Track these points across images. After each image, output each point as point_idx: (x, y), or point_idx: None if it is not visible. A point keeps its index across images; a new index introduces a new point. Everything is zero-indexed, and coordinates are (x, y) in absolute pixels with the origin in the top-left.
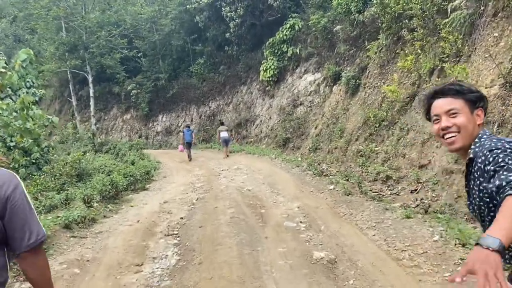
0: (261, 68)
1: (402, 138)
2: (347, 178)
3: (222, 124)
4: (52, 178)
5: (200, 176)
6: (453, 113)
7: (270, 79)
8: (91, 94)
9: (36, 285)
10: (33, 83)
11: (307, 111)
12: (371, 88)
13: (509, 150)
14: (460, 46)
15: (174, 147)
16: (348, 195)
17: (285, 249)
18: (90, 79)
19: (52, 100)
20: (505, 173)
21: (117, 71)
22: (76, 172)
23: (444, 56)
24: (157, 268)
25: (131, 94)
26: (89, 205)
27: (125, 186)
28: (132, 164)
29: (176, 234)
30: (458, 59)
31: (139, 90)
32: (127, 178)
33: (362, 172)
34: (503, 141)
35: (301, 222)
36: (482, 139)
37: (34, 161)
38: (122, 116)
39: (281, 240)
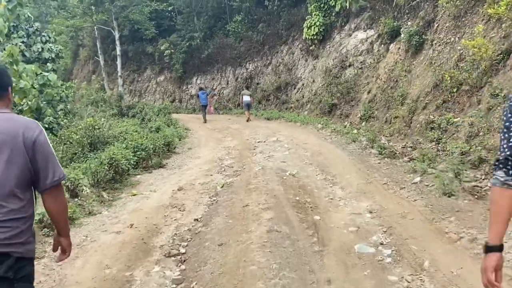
0: (304, 25)
1: (495, 107)
2: (430, 163)
3: (247, 88)
4: (62, 147)
5: (231, 149)
6: None
7: (315, 37)
8: (118, 53)
9: (58, 216)
10: (49, 37)
11: (357, 74)
12: (441, 44)
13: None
14: None
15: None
16: (449, 196)
17: None
18: (116, 35)
19: (86, 61)
20: None
21: (146, 27)
22: (89, 140)
23: None
24: None
25: (165, 54)
26: (75, 194)
27: (134, 164)
28: (157, 132)
29: (183, 254)
30: None
31: (173, 50)
32: (138, 153)
33: (438, 150)
34: None
35: (381, 244)
36: None
37: (47, 125)
38: (156, 78)
39: None
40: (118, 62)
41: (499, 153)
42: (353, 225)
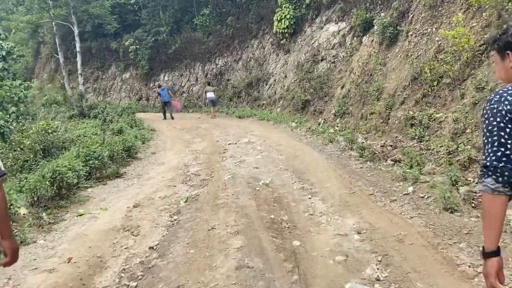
0: (274, 18)
1: (481, 101)
2: (420, 169)
3: (209, 84)
4: (12, 154)
5: (199, 152)
6: None
7: (286, 30)
8: (78, 49)
9: None
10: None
11: (330, 68)
12: (417, 36)
13: (487, 122)
14: None
15: (177, 111)
16: (451, 212)
17: None
18: (76, 31)
19: (48, 59)
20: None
21: (108, 22)
22: (42, 145)
23: None
24: None
25: (130, 50)
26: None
27: (85, 174)
28: (119, 134)
29: None
30: None
31: (138, 46)
32: (90, 162)
33: (421, 149)
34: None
35: (378, 279)
36: None
37: None
38: (121, 75)
39: None
40: (78, 59)
41: (484, 157)
42: (340, 252)
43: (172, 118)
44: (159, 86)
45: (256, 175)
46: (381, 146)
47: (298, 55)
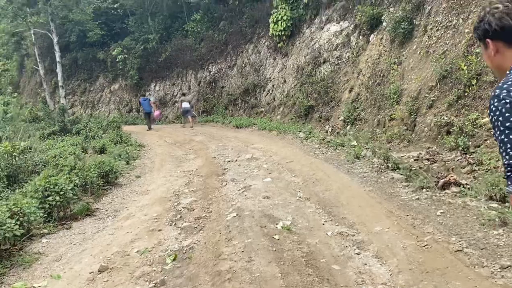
0: (270, 21)
1: None
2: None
3: (183, 95)
4: None
5: (193, 174)
6: None
7: (283, 33)
8: (58, 59)
9: None
10: None
11: (334, 70)
12: (440, 29)
13: (502, 118)
14: None
15: (169, 122)
16: None
17: None
18: (55, 39)
19: (33, 72)
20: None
21: (90, 28)
22: (5, 172)
23: None
24: None
25: (117, 60)
26: None
27: (43, 216)
28: (101, 152)
29: None
30: None
31: (126, 55)
32: (50, 200)
33: (469, 163)
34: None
35: None
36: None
37: None
38: (110, 86)
39: None
40: (59, 70)
41: (507, 157)
42: None
43: (150, 128)
44: (142, 96)
45: (270, 210)
46: (414, 160)
47: (298, 58)
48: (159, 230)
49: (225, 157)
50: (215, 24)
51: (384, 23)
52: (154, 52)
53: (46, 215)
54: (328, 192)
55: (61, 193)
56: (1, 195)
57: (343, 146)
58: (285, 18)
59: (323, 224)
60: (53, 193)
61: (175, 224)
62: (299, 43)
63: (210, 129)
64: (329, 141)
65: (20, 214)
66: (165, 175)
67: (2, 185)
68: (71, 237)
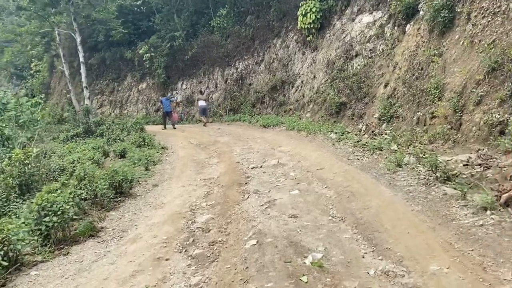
0: (298, 13)
1: None
2: None
3: (201, 93)
4: None
5: (213, 183)
6: None
7: (312, 26)
8: (81, 59)
9: None
10: None
11: (367, 64)
12: (486, 16)
13: None
14: None
15: (196, 120)
16: None
17: None
18: (78, 39)
19: (62, 73)
20: None
21: (113, 27)
22: (18, 180)
23: None
24: None
25: (144, 58)
26: None
27: (39, 240)
28: (122, 157)
29: None
30: None
31: (153, 54)
32: (46, 221)
33: None
34: None
35: None
36: None
37: None
38: (137, 85)
39: None
40: (82, 70)
41: None
42: None
43: (165, 127)
44: (164, 95)
45: (297, 235)
46: (464, 165)
47: (328, 52)
48: (167, 260)
49: (249, 162)
50: (241, 19)
51: (422, 12)
52: (181, 49)
53: (42, 238)
54: (367, 211)
55: (59, 213)
56: (10, 207)
57: (381, 150)
58: (314, 10)
59: (363, 257)
60: (50, 214)
61: (185, 251)
62: (329, 36)
63: (236, 129)
64: (365, 144)
65: (5, 243)
66: (184, 184)
67: (14, 195)
68: (66, 268)
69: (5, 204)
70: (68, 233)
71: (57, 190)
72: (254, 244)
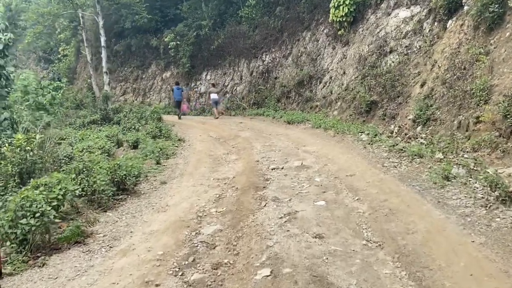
0: (331, 5)
1: None
2: None
3: (213, 85)
4: None
5: (227, 184)
6: None
7: (344, 19)
8: (103, 44)
9: None
10: None
11: (402, 61)
12: None
13: None
14: None
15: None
16: None
17: None
18: (100, 22)
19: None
20: None
21: (136, 11)
22: (18, 168)
23: None
24: None
25: (170, 47)
26: None
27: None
28: (134, 148)
29: None
30: None
31: (179, 42)
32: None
33: None
34: None
35: None
36: None
37: None
38: (161, 74)
39: None
40: (103, 55)
41: None
42: None
43: (180, 118)
44: (177, 84)
45: (322, 265)
46: None
47: (360, 47)
48: (156, 286)
49: (270, 162)
50: (270, 10)
51: (466, 7)
52: (207, 39)
53: (17, 244)
54: (412, 236)
55: (38, 215)
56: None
57: (422, 157)
58: (347, 2)
59: None
60: (28, 216)
61: (182, 275)
62: (362, 31)
63: (259, 124)
64: (402, 149)
65: None
66: (195, 183)
67: (13, 183)
68: (34, 286)
69: (1, 193)
70: (49, 238)
71: (47, 184)
72: (267, 276)
